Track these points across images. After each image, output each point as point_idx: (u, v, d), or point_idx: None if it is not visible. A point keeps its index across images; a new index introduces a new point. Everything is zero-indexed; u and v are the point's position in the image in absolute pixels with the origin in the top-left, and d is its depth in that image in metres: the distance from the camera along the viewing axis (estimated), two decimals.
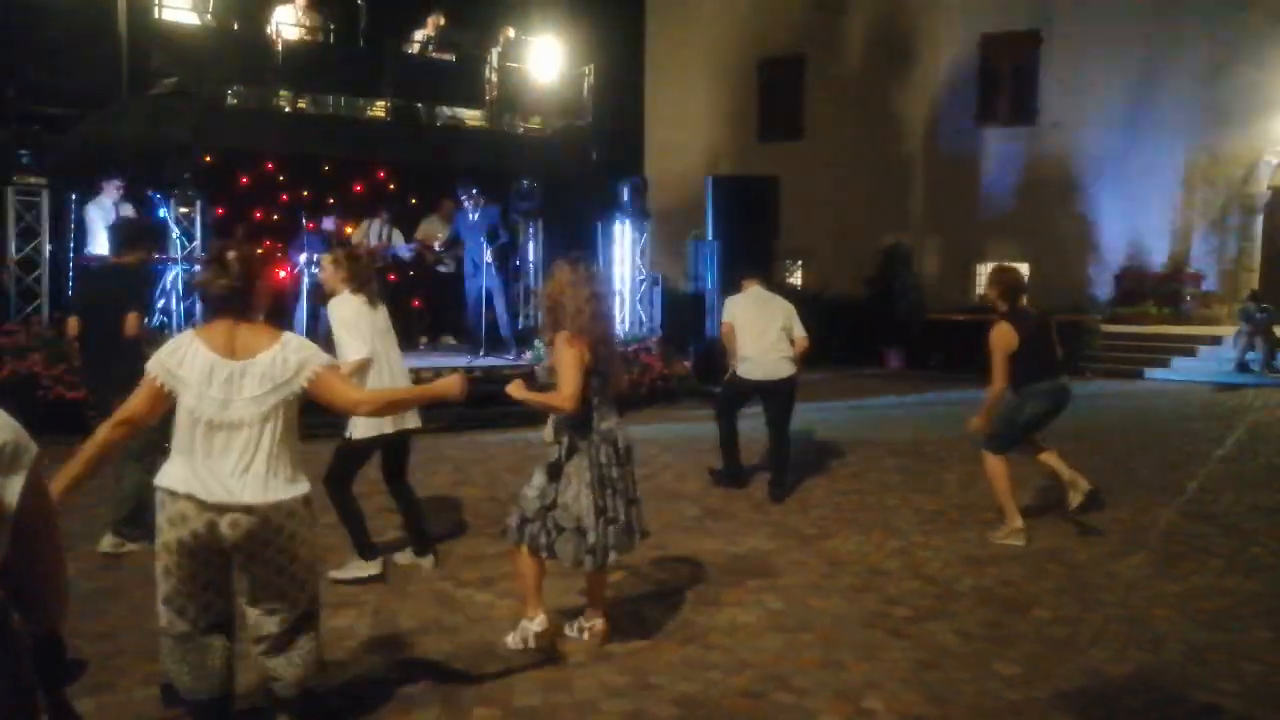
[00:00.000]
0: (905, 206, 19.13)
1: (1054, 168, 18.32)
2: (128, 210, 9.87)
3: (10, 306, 9.53)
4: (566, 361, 4.04)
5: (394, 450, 5.35)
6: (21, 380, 8.52)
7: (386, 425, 5.01)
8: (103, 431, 3.12)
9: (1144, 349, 16.04)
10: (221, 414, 3.08)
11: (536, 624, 4.19)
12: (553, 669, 4.11)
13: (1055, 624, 4.72)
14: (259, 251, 3.26)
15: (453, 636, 4.47)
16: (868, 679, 4.05)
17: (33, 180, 9.58)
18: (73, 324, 6.26)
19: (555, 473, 4.13)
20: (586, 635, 4.38)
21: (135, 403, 3.15)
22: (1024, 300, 6.18)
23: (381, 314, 5.23)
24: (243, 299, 3.18)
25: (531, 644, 4.18)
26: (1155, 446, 9.54)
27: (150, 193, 10.41)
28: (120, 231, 6.39)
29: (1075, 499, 6.14)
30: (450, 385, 3.37)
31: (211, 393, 3.08)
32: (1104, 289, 17.93)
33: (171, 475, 3.11)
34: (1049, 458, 6.30)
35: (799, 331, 7.31)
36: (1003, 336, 5.93)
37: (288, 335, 3.24)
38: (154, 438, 4.79)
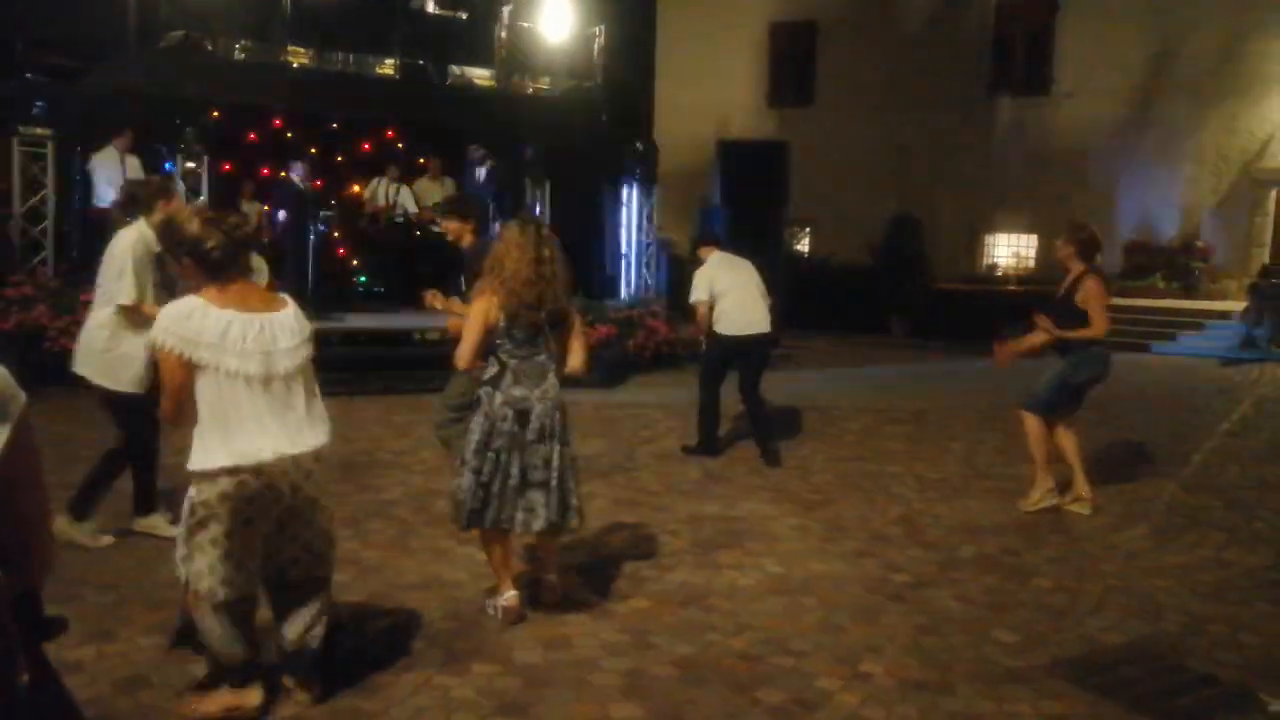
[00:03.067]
0: (915, 175, 18.96)
1: (1066, 138, 18.13)
2: (134, 164, 9.82)
3: (16, 258, 9.52)
4: (470, 315, 3.97)
5: None
6: (27, 331, 8.53)
7: None
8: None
9: (1151, 322, 15.96)
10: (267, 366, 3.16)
11: (504, 599, 4.16)
12: (552, 627, 4.13)
13: (1055, 593, 4.73)
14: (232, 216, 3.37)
15: (454, 593, 4.49)
16: (867, 643, 4.07)
17: (39, 131, 9.54)
18: None
19: (463, 431, 4.13)
20: (548, 594, 4.36)
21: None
22: (1100, 260, 6.01)
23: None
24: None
25: (499, 617, 4.16)
26: (1160, 419, 9.52)
27: (157, 146, 10.37)
28: None
29: (1073, 505, 6.05)
30: None
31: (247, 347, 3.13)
32: (1112, 261, 17.79)
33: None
34: (1070, 441, 6.10)
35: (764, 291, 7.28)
36: (1103, 286, 5.79)
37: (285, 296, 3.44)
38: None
